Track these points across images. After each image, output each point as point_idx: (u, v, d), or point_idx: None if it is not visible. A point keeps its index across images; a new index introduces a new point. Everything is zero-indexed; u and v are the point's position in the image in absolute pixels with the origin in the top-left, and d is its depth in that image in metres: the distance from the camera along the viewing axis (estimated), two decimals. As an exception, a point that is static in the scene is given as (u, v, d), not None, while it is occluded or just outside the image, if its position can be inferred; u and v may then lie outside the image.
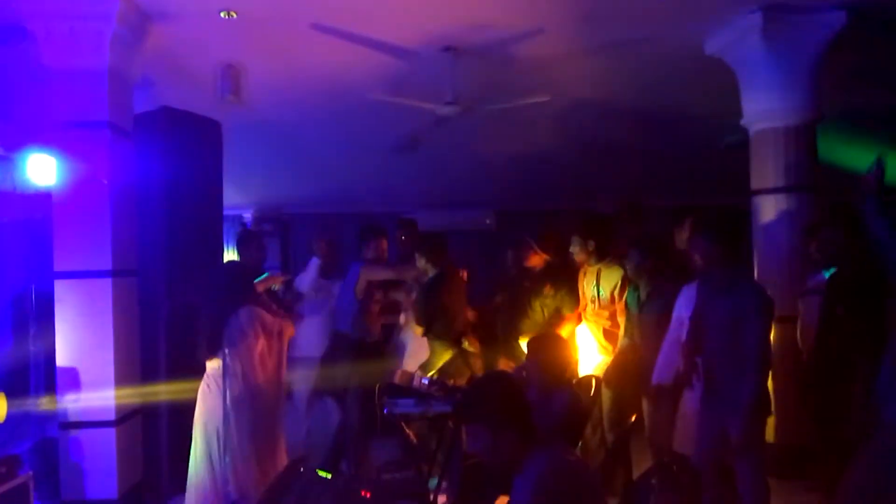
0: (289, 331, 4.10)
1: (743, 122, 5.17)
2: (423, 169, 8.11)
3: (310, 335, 5.38)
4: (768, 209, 4.97)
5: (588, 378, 3.90)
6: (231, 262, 4.70)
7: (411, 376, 3.80)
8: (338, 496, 2.16)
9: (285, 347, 4.09)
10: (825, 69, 4.96)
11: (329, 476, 2.31)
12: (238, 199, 9.13)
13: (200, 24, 4.73)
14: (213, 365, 3.88)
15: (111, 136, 4.45)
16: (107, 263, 4.42)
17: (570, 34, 5.10)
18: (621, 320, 4.48)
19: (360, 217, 9.38)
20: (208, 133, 5.47)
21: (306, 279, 5.49)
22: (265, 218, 9.45)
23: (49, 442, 4.80)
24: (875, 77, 5.99)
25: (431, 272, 4.86)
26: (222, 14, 4.60)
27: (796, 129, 4.89)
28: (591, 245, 4.59)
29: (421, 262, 4.91)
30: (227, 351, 3.65)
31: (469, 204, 9.44)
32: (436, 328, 4.80)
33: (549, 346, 3.42)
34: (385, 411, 3.54)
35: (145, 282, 4.91)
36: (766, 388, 3.28)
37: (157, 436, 4.95)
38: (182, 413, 5.02)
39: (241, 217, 9.57)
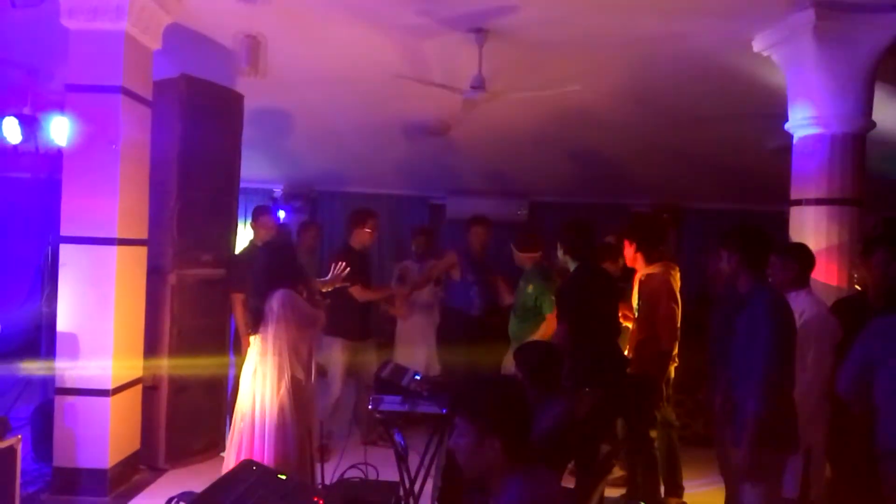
0: (320, 322, 3.89)
1: (787, 125, 4.84)
2: (453, 154, 7.90)
3: None
4: (807, 221, 4.65)
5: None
6: (276, 243, 4.59)
7: (404, 370, 3.64)
8: (285, 499, 2.02)
9: (315, 336, 3.95)
10: (880, 74, 4.61)
11: (283, 478, 2.18)
12: (269, 173, 9.08)
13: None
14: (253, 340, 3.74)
15: (124, 101, 4.38)
16: (112, 231, 4.36)
17: (607, 22, 4.85)
18: None
19: (388, 199, 9.30)
20: (229, 104, 5.39)
21: None
22: (294, 194, 9.37)
23: (51, 406, 4.82)
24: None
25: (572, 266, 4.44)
26: (247, -17, 4.48)
27: (844, 137, 4.55)
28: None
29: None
30: (263, 329, 3.55)
31: (502, 193, 9.21)
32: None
33: (534, 353, 3.23)
34: (370, 407, 3.39)
35: (155, 252, 4.86)
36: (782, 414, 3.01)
37: (156, 407, 4.92)
38: (182, 385, 5.02)
39: (271, 191, 9.52)
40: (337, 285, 4.25)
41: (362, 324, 5.52)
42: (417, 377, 3.58)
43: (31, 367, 5.30)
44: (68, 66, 4.39)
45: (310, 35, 5.23)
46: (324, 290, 4.10)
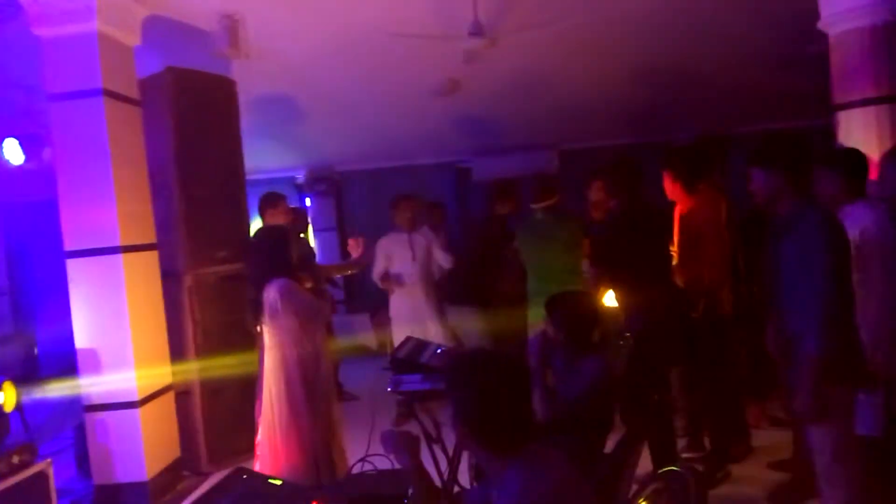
0: (323, 313, 3.64)
1: (821, 24, 4.35)
2: (471, 113, 7.55)
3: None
4: (855, 125, 4.18)
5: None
6: (266, 230, 4.15)
7: (425, 346, 3.39)
8: (279, 506, 1.81)
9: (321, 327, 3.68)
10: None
11: (278, 483, 1.97)
12: (289, 160, 8.91)
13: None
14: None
15: (108, 102, 4.19)
16: (115, 239, 4.22)
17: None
18: None
19: (413, 169, 9.03)
20: (221, 93, 5.17)
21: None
22: (317, 178, 9.19)
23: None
24: None
25: None
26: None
27: (885, 27, 4.05)
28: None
29: None
30: (263, 322, 3.35)
31: (528, 147, 8.82)
32: None
33: (564, 305, 2.93)
34: (389, 390, 3.15)
35: (166, 254, 4.71)
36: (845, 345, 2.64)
37: (191, 412, 4.82)
38: (215, 387, 4.91)
39: (293, 179, 9.36)
40: (362, 266, 4.02)
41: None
42: (440, 351, 3.32)
43: (68, 387, 5.27)
44: (46, 76, 4.22)
45: (296, 6, 4.95)
46: (337, 275, 3.87)
